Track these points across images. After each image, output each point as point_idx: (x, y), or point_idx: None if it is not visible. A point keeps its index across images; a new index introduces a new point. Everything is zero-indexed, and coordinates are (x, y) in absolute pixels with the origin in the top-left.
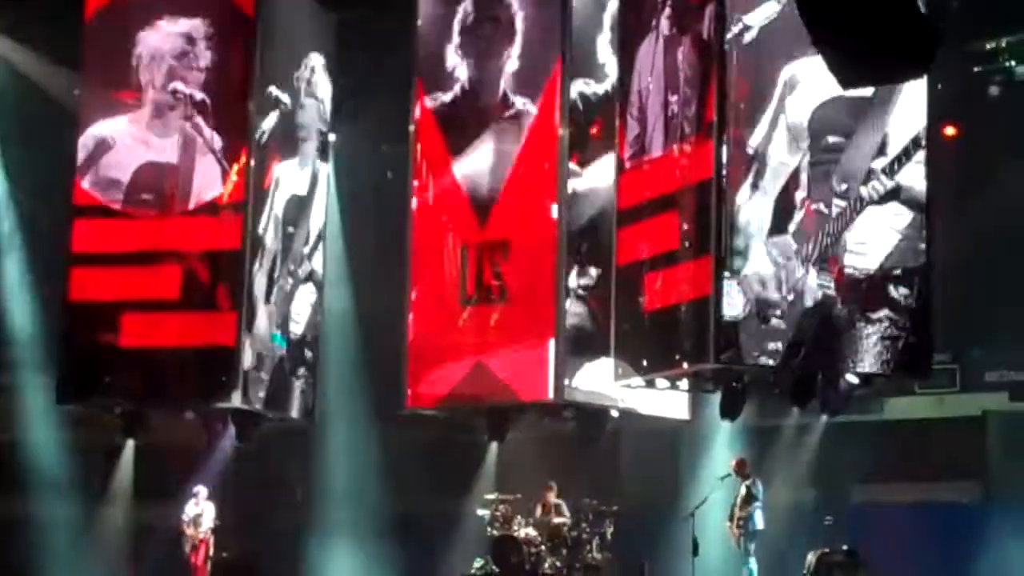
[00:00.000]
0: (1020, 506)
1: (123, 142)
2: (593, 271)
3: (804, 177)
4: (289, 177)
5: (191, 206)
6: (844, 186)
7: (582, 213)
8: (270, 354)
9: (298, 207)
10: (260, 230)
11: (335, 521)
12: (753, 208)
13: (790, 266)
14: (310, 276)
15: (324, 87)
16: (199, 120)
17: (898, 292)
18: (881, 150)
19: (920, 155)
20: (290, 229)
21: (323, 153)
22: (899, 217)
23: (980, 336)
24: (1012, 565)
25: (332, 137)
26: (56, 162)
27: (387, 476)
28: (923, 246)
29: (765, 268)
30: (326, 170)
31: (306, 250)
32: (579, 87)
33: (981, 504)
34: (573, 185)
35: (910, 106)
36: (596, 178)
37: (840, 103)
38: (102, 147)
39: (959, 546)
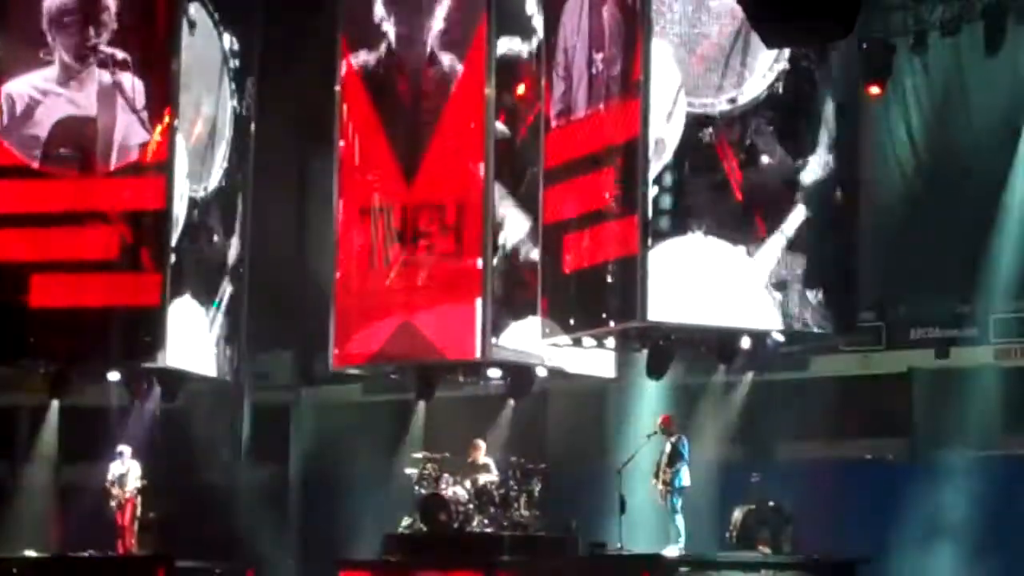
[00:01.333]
0: (944, 462)
1: (41, 97)
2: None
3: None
4: (213, 136)
5: (114, 165)
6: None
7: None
8: (195, 314)
9: (223, 169)
10: (183, 190)
11: (261, 480)
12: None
13: None
14: (234, 236)
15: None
16: (121, 78)
17: (823, 251)
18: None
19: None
20: (214, 191)
21: (248, 116)
22: (825, 179)
23: (905, 293)
24: (937, 520)
25: (254, 95)
26: None
27: (314, 435)
28: (848, 206)
29: None
30: (250, 132)
31: (231, 212)
32: (506, 45)
33: (906, 460)
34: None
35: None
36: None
37: None
38: (20, 103)
39: (885, 502)
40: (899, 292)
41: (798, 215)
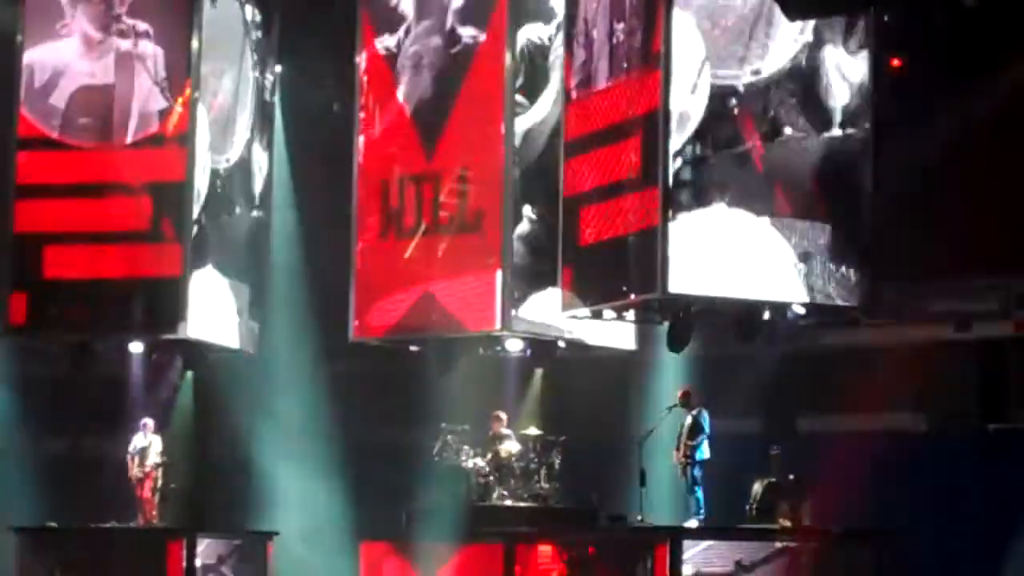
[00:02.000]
0: (964, 435)
1: (62, 68)
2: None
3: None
4: (234, 107)
5: (134, 137)
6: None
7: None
8: (217, 285)
9: (244, 141)
10: (204, 165)
11: (283, 453)
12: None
13: None
14: (256, 208)
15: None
16: (142, 49)
17: (845, 224)
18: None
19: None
20: (236, 162)
21: (270, 87)
22: (846, 148)
23: (926, 266)
24: (957, 494)
25: (278, 69)
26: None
27: (334, 407)
28: (870, 177)
29: None
30: (272, 102)
31: (253, 182)
32: (527, 33)
33: (925, 434)
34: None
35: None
36: (544, 111)
37: None
38: (41, 73)
39: (904, 475)
40: (920, 265)
41: (821, 187)
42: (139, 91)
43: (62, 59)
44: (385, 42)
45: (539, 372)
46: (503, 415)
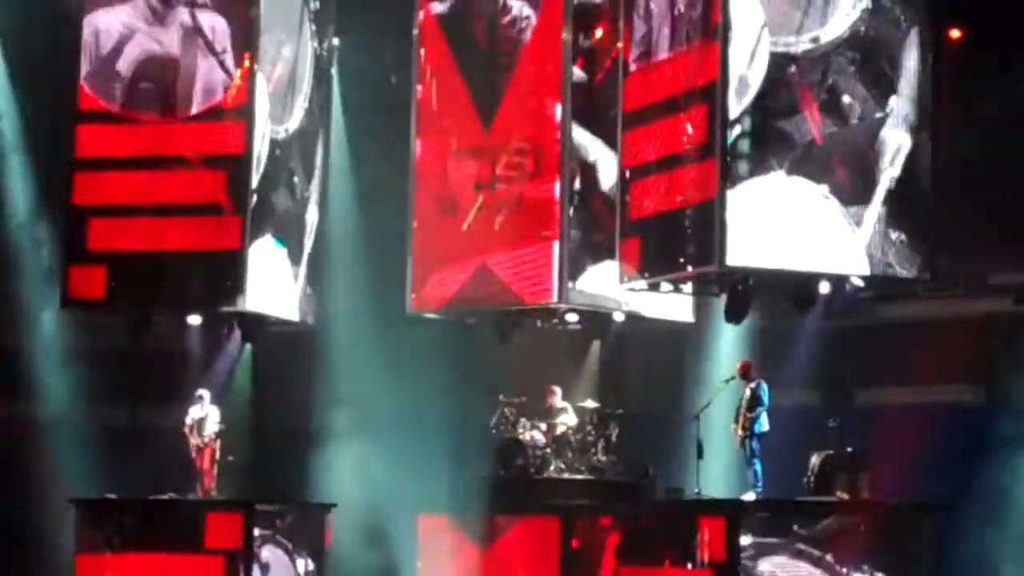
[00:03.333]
0: (1022, 408)
1: (128, 33)
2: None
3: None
4: (294, 78)
5: (194, 109)
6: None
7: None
8: (276, 256)
9: (304, 111)
10: (264, 134)
11: (341, 424)
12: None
13: None
14: (315, 180)
15: None
16: (202, 21)
17: (904, 195)
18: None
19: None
20: (295, 133)
21: (327, 58)
22: (906, 121)
23: (985, 239)
24: (1015, 467)
25: (336, 42)
26: (59, 65)
27: (392, 379)
28: (929, 149)
29: None
30: (331, 73)
31: (311, 154)
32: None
33: (985, 407)
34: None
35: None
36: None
37: None
38: (107, 38)
39: (962, 449)
40: (979, 237)
41: (879, 157)
42: (201, 63)
43: (128, 25)
44: (439, 5)
45: (596, 344)
46: (557, 389)
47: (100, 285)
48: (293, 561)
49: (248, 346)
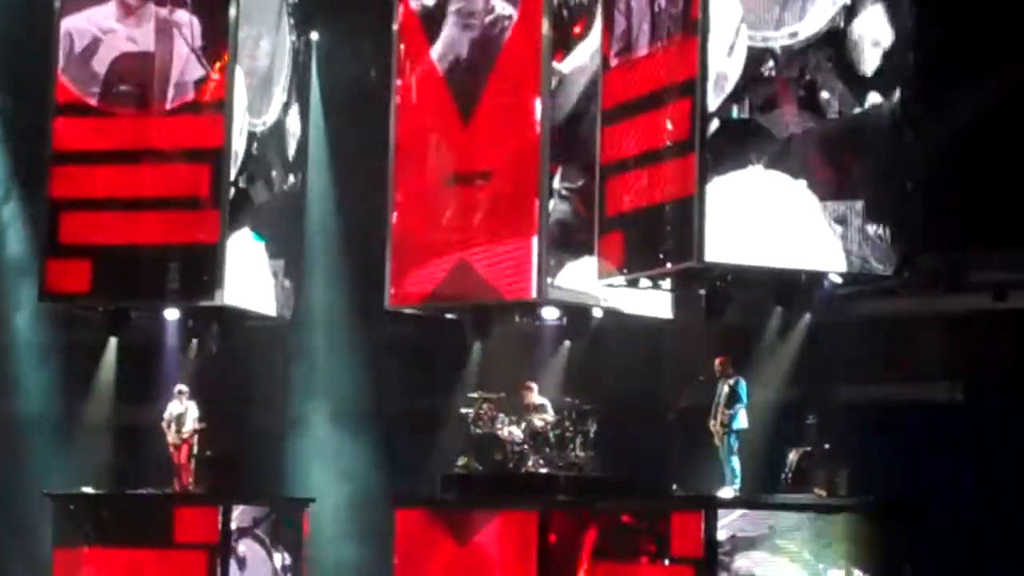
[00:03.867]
0: (1002, 406)
1: (100, 35)
2: (577, 169)
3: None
4: (271, 71)
5: (172, 104)
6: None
7: (564, 108)
8: (253, 250)
9: (280, 105)
10: (241, 128)
11: (318, 419)
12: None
13: None
14: (292, 172)
15: None
16: (179, 16)
17: (882, 191)
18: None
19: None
20: (273, 126)
21: (305, 51)
22: (883, 114)
23: (966, 236)
24: (994, 465)
25: (315, 36)
26: (37, 58)
27: (370, 375)
28: (907, 143)
29: None
30: (309, 67)
31: (288, 147)
32: None
33: (963, 404)
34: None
35: None
36: (578, 76)
37: None
38: (80, 39)
39: (941, 446)
40: (959, 234)
41: (858, 152)
42: (177, 58)
43: (102, 25)
44: (416, 4)
45: (572, 341)
46: (534, 385)
47: (77, 279)
48: (271, 556)
49: (225, 340)
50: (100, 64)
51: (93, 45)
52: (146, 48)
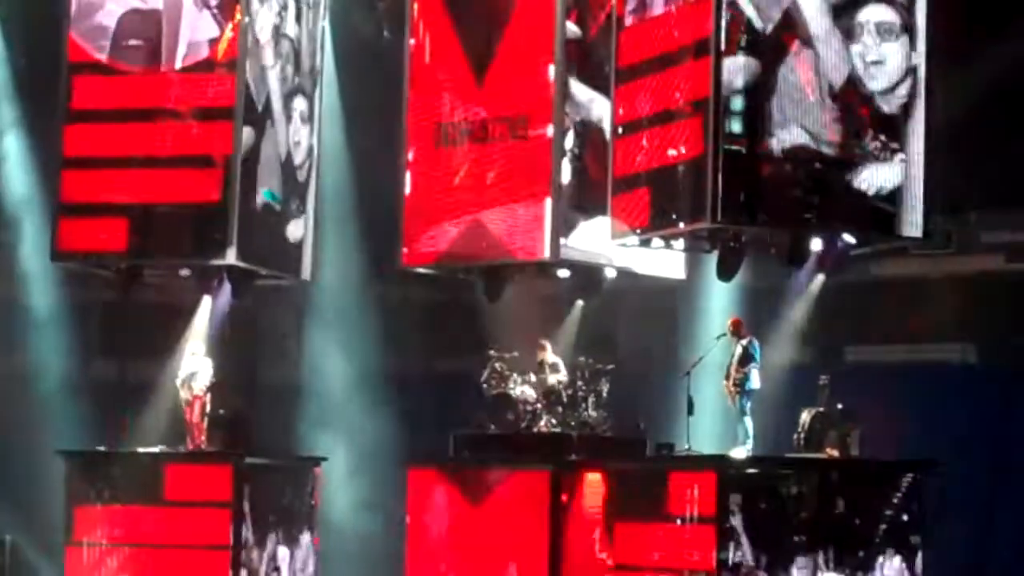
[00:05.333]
0: (1013, 367)
1: None
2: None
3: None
4: (285, 35)
5: (184, 62)
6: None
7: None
8: (265, 211)
9: (294, 65)
10: (254, 88)
11: (330, 378)
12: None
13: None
14: (306, 136)
15: None
16: None
17: (896, 151)
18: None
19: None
20: (285, 87)
21: (319, 11)
22: (901, 79)
23: (978, 197)
24: (1004, 425)
25: None
26: (49, 17)
27: (383, 334)
28: (923, 107)
29: None
30: (322, 28)
31: (302, 109)
32: None
33: (975, 365)
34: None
35: None
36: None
37: None
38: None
39: (952, 406)
40: (972, 194)
41: (872, 114)
42: (188, 16)
43: None
44: None
45: (587, 300)
46: (548, 343)
47: (90, 238)
48: (283, 514)
49: (239, 299)
50: (109, 19)
51: (102, 2)
52: (155, 6)
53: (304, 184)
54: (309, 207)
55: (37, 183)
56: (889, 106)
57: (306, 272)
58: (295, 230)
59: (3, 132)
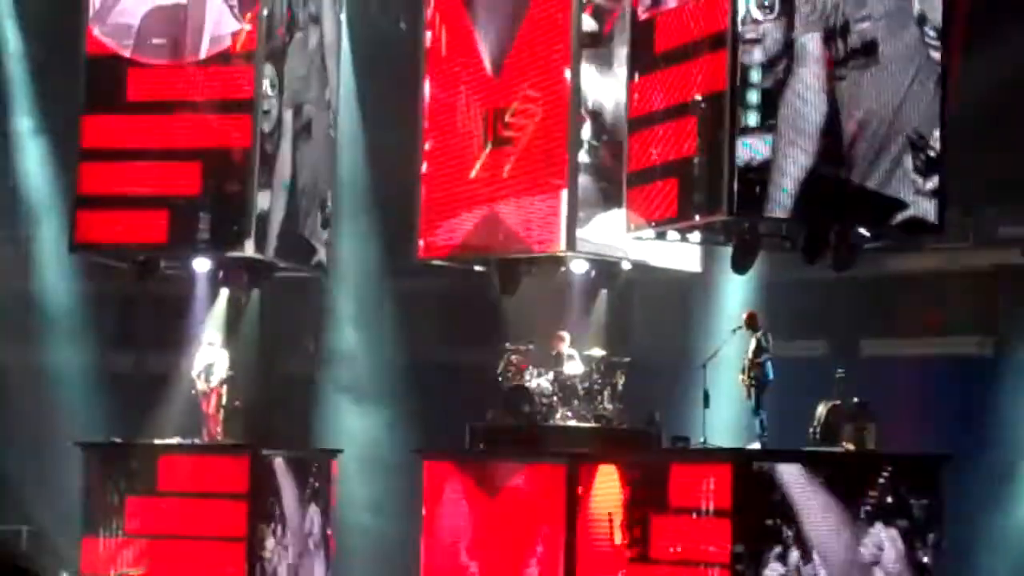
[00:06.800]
0: None
1: None
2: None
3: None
4: (302, 27)
5: (204, 54)
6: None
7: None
8: (283, 204)
9: (312, 56)
10: (272, 79)
11: (347, 371)
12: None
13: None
14: (324, 127)
15: None
16: None
17: (912, 145)
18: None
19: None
20: (303, 78)
21: (338, 4)
22: (913, 69)
23: (994, 191)
24: (1021, 418)
25: None
26: (68, 11)
27: (399, 326)
28: (938, 99)
29: None
30: (339, 19)
31: (320, 101)
32: None
33: (991, 358)
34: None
35: None
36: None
37: None
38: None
39: (968, 400)
40: (987, 189)
41: (888, 107)
42: (210, 11)
43: None
44: None
45: (603, 293)
46: (566, 334)
47: (108, 230)
48: (300, 505)
49: (256, 291)
50: (132, 16)
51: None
52: (178, 1)
53: (322, 175)
54: (327, 200)
55: (54, 174)
56: None
57: (323, 264)
58: (313, 222)
59: (21, 126)
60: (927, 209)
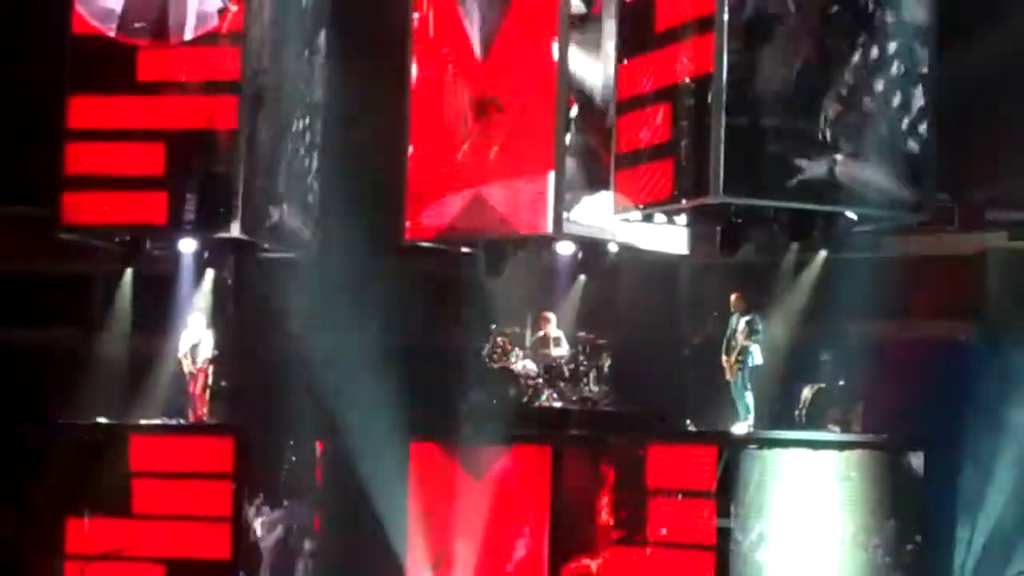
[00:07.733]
0: (1015, 344)
1: None
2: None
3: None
4: (287, 7)
5: (190, 35)
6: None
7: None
8: (269, 183)
9: (298, 37)
10: (258, 60)
11: (333, 352)
12: None
13: None
14: (309, 108)
15: None
16: None
17: (899, 129)
18: None
19: None
20: (289, 59)
21: None
22: (903, 56)
23: (981, 174)
24: (1005, 402)
25: None
26: None
27: (386, 308)
28: (925, 83)
29: None
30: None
31: (305, 81)
32: None
33: (977, 342)
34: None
35: None
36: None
37: None
38: None
39: (954, 384)
40: (974, 172)
41: (874, 89)
42: None
43: None
44: None
45: (587, 276)
46: (552, 315)
47: (93, 211)
48: (285, 488)
49: (241, 272)
50: (115, 2)
51: None
52: None
53: (308, 157)
54: (313, 180)
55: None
56: None
57: (309, 246)
58: (299, 204)
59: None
60: (913, 191)
